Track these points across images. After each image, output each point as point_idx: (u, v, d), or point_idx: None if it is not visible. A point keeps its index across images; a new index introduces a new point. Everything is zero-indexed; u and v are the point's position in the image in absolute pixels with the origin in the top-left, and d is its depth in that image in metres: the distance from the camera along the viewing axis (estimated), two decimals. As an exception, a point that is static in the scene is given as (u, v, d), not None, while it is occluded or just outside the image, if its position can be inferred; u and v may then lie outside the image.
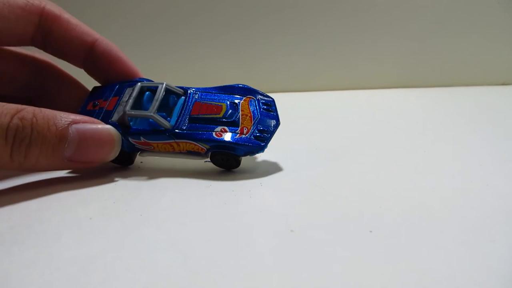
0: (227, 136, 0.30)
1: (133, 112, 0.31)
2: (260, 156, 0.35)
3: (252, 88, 0.33)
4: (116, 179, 0.31)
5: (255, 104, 0.32)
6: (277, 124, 0.32)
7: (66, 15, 0.33)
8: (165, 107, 0.33)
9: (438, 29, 0.63)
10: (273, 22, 0.62)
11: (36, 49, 0.34)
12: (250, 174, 0.31)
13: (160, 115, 0.31)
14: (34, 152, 0.26)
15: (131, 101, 0.31)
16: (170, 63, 0.63)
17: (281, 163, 0.33)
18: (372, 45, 0.63)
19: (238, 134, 0.30)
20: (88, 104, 0.34)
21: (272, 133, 0.31)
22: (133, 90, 0.32)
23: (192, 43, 0.63)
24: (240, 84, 0.34)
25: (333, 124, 0.47)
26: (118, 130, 0.30)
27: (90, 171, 0.32)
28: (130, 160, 0.33)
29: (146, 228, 0.23)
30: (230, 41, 0.63)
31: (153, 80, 0.34)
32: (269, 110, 0.33)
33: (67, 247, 0.21)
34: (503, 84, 0.66)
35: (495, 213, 0.24)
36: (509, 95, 0.61)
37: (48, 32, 0.32)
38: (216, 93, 0.33)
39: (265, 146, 0.30)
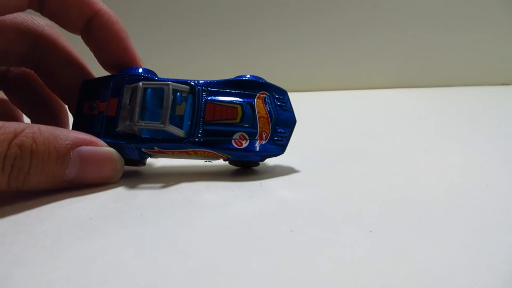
0: (248, 145, 0.29)
1: (143, 124, 0.29)
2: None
3: (263, 81, 0.30)
4: (116, 179, 0.31)
5: (270, 101, 0.30)
6: (294, 122, 0.31)
7: None
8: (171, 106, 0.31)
9: (438, 29, 0.63)
10: (273, 22, 0.62)
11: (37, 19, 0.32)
12: (250, 174, 0.31)
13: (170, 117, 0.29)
14: (33, 179, 0.25)
15: (137, 109, 0.29)
16: (170, 60, 0.63)
17: (281, 163, 0.33)
18: (372, 45, 0.63)
19: (258, 141, 0.29)
20: (83, 104, 0.32)
21: (290, 133, 0.31)
22: (135, 91, 0.29)
23: (191, 42, 0.63)
24: (250, 76, 0.30)
25: (333, 124, 0.47)
26: (127, 141, 0.29)
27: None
28: (142, 162, 0.32)
29: (146, 228, 0.23)
30: (230, 40, 0.63)
31: (152, 70, 0.32)
32: (284, 107, 0.31)
33: (67, 247, 0.21)
34: (503, 84, 0.66)
35: (495, 213, 0.24)
36: (509, 95, 0.61)
37: None
38: (226, 90, 0.30)
39: (284, 149, 0.30)
